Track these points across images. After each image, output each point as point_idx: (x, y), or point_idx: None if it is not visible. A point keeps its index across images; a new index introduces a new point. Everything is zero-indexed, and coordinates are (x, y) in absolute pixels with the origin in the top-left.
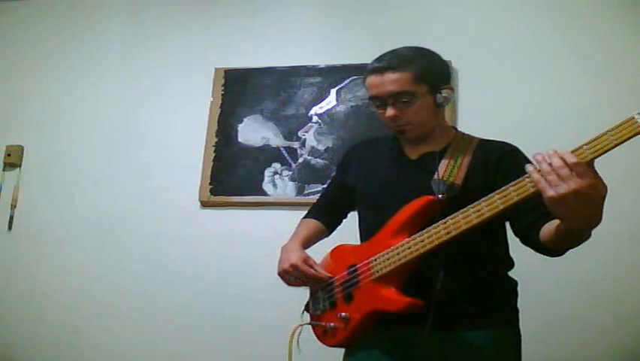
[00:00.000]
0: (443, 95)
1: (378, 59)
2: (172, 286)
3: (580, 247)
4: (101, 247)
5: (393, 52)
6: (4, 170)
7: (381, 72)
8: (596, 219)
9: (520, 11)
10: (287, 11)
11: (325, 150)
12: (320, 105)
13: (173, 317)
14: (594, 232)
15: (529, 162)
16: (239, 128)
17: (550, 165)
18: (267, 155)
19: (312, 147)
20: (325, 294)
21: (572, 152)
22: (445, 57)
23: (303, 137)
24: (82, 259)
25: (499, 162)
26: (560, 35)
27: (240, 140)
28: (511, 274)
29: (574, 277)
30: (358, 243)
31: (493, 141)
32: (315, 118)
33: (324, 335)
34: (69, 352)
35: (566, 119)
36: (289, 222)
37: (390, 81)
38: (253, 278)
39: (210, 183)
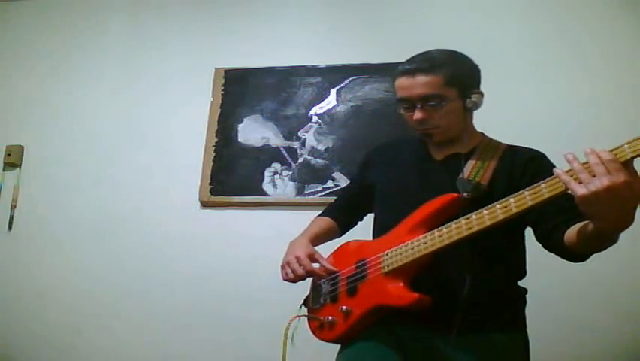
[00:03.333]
0: (472, 99)
1: (410, 61)
2: (172, 286)
3: None
4: (101, 247)
5: (424, 54)
6: (4, 170)
7: (412, 74)
8: (627, 220)
9: (519, 11)
10: (287, 11)
11: (325, 150)
12: (320, 105)
13: (173, 317)
14: None
15: (554, 168)
16: (239, 128)
17: (583, 163)
18: (267, 155)
19: (312, 147)
20: (328, 288)
21: (611, 150)
22: None
23: (303, 137)
24: (82, 259)
25: (526, 167)
26: (559, 35)
27: (240, 140)
28: None
29: (574, 277)
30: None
31: (521, 146)
32: (315, 118)
33: (321, 330)
34: (69, 352)
35: (565, 118)
36: (289, 222)
37: (421, 84)
38: (253, 278)
39: (210, 183)
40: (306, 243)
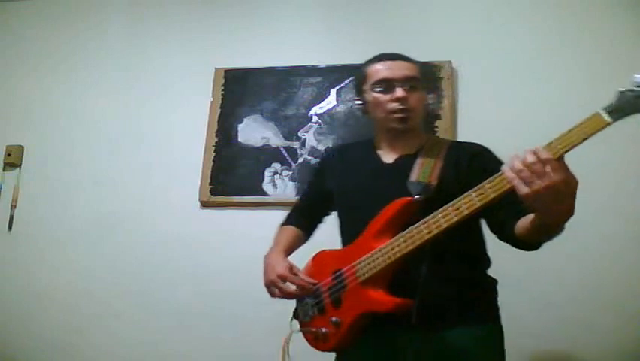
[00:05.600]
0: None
1: (383, 54)
2: (172, 285)
3: (580, 246)
4: (101, 247)
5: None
6: (4, 170)
7: (393, 59)
8: (568, 212)
9: (520, 11)
10: (287, 11)
11: (325, 150)
12: (320, 105)
13: (173, 316)
14: (595, 231)
15: (499, 161)
16: (239, 128)
17: (522, 162)
18: (267, 155)
19: (312, 147)
20: (313, 300)
21: (544, 148)
22: (445, 57)
23: (303, 137)
24: (82, 259)
25: (470, 162)
26: (559, 35)
27: (240, 140)
28: (513, 274)
29: (574, 277)
30: (339, 247)
31: (464, 142)
32: (315, 118)
33: (317, 341)
34: (69, 352)
35: (565, 118)
36: None
37: (404, 66)
38: (253, 278)
39: (210, 183)
40: (282, 259)
